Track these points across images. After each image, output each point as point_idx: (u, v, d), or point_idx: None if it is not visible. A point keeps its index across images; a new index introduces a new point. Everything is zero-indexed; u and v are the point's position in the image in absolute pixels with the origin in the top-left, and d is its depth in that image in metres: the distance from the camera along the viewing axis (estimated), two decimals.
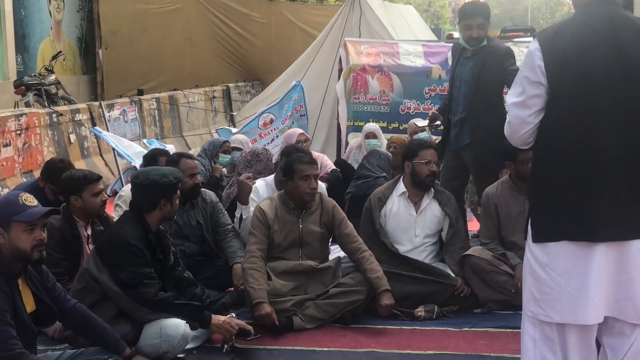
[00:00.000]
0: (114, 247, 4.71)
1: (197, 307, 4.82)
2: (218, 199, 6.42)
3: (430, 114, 7.37)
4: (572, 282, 3.44)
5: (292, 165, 5.69)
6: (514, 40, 11.78)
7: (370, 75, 10.19)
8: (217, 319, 4.85)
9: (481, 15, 6.49)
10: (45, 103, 12.65)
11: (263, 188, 6.45)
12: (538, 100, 3.49)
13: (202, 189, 6.31)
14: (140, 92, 13.67)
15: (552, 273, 3.48)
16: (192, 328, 4.75)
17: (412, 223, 6.05)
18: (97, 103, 11.55)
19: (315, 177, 5.69)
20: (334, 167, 8.16)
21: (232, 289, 6.03)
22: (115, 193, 10.31)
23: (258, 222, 5.60)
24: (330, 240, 5.91)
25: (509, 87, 6.38)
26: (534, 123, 3.53)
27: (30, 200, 4.00)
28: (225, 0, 18.38)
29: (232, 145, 8.18)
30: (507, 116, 3.63)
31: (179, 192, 4.98)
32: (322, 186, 6.32)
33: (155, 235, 4.89)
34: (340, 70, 10.68)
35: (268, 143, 10.75)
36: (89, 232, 5.55)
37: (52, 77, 13.74)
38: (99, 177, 5.63)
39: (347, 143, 10.15)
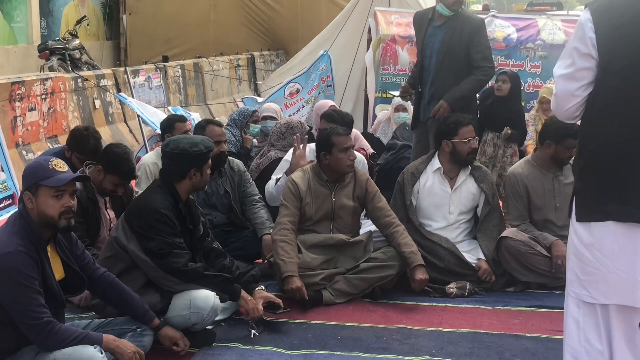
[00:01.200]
0: (144, 215, 4.60)
1: (227, 279, 4.72)
2: (246, 169, 6.29)
3: (401, 87, 7.07)
4: (619, 263, 3.30)
5: (330, 138, 5.55)
6: (548, 13, 11.48)
7: (400, 46, 10.00)
8: (246, 295, 4.77)
9: None
10: (69, 68, 12.56)
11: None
12: (587, 73, 3.33)
13: (230, 158, 6.20)
14: (165, 59, 13.51)
15: (598, 253, 3.34)
16: (221, 300, 4.65)
17: (446, 200, 5.90)
18: (122, 69, 11.41)
19: (352, 147, 5.56)
20: (364, 141, 7.95)
21: (261, 260, 5.94)
22: (139, 160, 10.23)
23: (290, 193, 5.48)
24: (363, 214, 5.78)
25: (473, 65, 6.36)
26: (582, 97, 3.37)
27: (60, 165, 3.88)
28: None
29: (264, 114, 8.02)
30: (554, 88, 3.48)
31: (210, 161, 4.85)
32: (359, 158, 6.16)
33: (185, 205, 4.77)
34: (370, 40, 10.49)
35: (294, 113, 10.61)
36: (106, 197, 5.49)
37: (76, 42, 13.65)
38: (133, 177, 5.70)
39: (374, 115, 9.98)
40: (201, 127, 6.06)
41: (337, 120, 6.41)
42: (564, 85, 3.39)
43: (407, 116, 8.98)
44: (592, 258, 3.36)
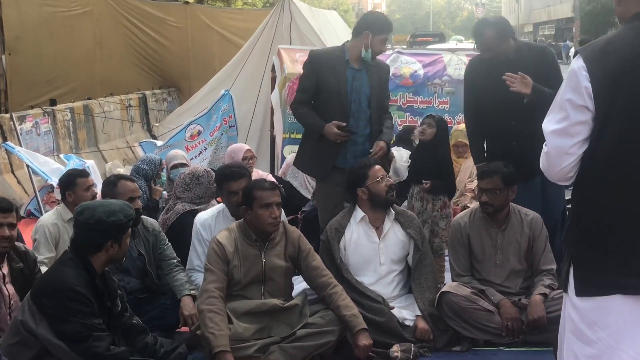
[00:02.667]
0: (56, 294, 4.01)
1: None
2: (160, 229, 5.74)
3: (335, 131, 5.93)
4: (625, 344, 2.93)
5: (251, 192, 5.09)
6: (454, 49, 11.37)
7: None
8: None
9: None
10: None
11: (212, 219, 5.78)
12: (583, 128, 2.98)
13: (143, 216, 5.64)
14: (53, 102, 12.70)
15: (602, 333, 2.97)
16: None
17: (375, 251, 5.52)
18: (7, 115, 10.58)
19: (277, 204, 5.07)
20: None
21: (183, 328, 5.37)
22: (29, 214, 9.48)
23: (215, 256, 4.96)
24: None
25: (384, 110, 6.06)
26: (577, 155, 3.01)
27: None
28: (138, 4, 17.49)
29: (174, 162, 7.47)
30: (545, 146, 3.09)
31: (129, 230, 4.29)
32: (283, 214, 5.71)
33: (101, 280, 4.20)
34: (274, 79, 10.07)
35: (196, 156, 10.10)
36: (5, 270, 4.79)
37: None
38: (5, 207, 4.79)
39: (283, 157, 9.55)
40: (111, 183, 5.50)
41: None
42: (557, 142, 3.02)
43: None
44: (595, 338, 2.97)
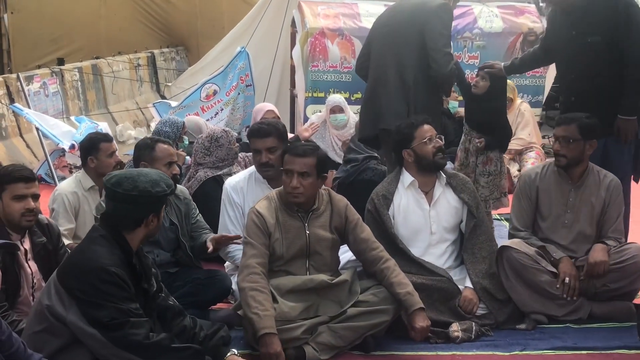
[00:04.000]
0: (87, 276, 3.54)
1: (198, 352, 3.75)
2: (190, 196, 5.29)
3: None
4: None
5: (284, 154, 4.65)
6: (484, 1, 10.84)
7: (330, 40, 9.12)
8: None
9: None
10: None
11: (244, 182, 5.32)
12: None
13: None
14: (61, 62, 12.18)
15: None
16: None
17: (426, 218, 5.04)
18: (14, 75, 10.07)
19: (298, 174, 4.51)
20: None
21: (219, 305, 4.95)
22: (40, 179, 9.02)
23: (255, 228, 4.49)
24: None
25: None
26: None
27: None
28: None
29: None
30: None
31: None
32: None
33: (138, 259, 3.74)
34: (294, 34, 9.56)
35: (212, 117, 9.65)
36: (27, 245, 4.33)
37: None
38: (27, 176, 4.32)
39: (305, 117, 9.07)
40: (148, 146, 5.01)
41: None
42: None
43: (345, 117, 8.18)
44: None
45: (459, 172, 5.43)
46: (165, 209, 4.84)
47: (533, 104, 9.39)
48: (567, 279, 4.80)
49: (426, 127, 5.06)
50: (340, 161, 7.16)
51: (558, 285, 4.82)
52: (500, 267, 4.92)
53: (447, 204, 5.08)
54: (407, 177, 5.08)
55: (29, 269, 4.30)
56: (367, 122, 5.89)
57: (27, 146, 9.80)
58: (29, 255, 4.33)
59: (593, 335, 4.68)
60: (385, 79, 5.73)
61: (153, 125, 9.95)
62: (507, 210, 5.80)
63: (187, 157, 6.64)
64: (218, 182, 5.92)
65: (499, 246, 5.02)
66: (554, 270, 4.87)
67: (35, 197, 4.30)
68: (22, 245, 4.28)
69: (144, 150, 5.00)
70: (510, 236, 5.16)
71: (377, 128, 5.75)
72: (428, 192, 5.08)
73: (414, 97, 5.63)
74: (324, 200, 4.65)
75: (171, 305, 4.04)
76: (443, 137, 5.18)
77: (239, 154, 6.55)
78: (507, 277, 4.89)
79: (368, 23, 9.19)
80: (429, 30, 5.57)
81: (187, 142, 6.89)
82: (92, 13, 17.00)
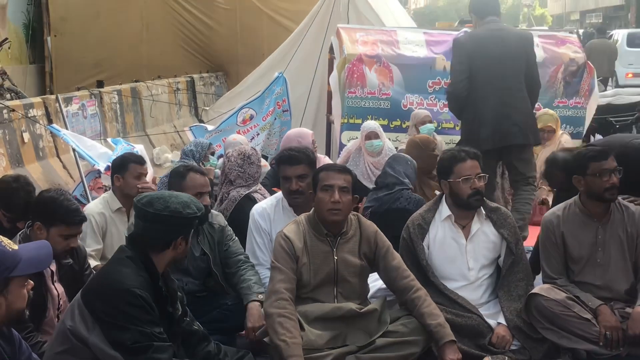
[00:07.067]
0: (111, 298, 3.51)
1: None
2: (226, 222, 5.20)
3: None
4: None
5: (317, 174, 4.58)
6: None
7: (368, 67, 9.00)
8: None
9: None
10: None
11: (271, 209, 5.27)
12: None
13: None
14: (100, 84, 12.28)
15: None
16: None
17: (462, 253, 4.90)
18: (52, 97, 10.13)
19: (341, 189, 4.46)
20: None
21: (244, 333, 4.85)
22: (76, 200, 9.04)
23: (283, 252, 4.42)
24: None
25: None
26: None
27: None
28: None
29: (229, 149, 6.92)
30: None
31: None
32: None
33: (164, 282, 3.69)
34: (332, 60, 9.51)
35: (248, 142, 9.57)
36: (53, 267, 4.30)
37: None
38: (83, 220, 4.38)
39: (341, 144, 8.99)
40: (179, 174, 4.95)
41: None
42: None
43: (381, 143, 8.08)
44: None
45: (500, 206, 5.25)
46: (198, 238, 4.83)
47: (574, 136, 9.22)
48: (607, 333, 4.59)
49: (469, 163, 4.88)
50: None
51: (601, 343, 4.60)
52: (531, 315, 4.76)
53: (485, 238, 4.95)
54: (444, 209, 4.96)
55: (55, 291, 4.28)
56: (490, 137, 6.42)
57: (64, 167, 9.83)
58: (55, 277, 4.31)
59: None
60: (511, 99, 6.51)
61: None
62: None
63: (217, 170, 6.65)
64: (252, 200, 5.86)
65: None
66: (587, 316, 4.68)
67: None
68: (49, 267, 4.25)
69: (175, 178, 4.97)
70: (545, 283, 4.96)
71: (503, 142, 6.47)
72: (465, 226, 4.95)
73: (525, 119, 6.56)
74: (353, 225, 4.57)
75: (196, 330, 3.99)
76: (487, 176, 5.06)
77: None
78: (538, 322, 4.73)
79: (406, 50, 9.18)
80: (532, 63, 6.66)
81: (213, 162, 6.89)
82: (134, 37, 17.16)
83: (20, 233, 4.36)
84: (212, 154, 7.07)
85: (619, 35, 24.27)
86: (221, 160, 7.33)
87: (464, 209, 4.92)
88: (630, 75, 22.59)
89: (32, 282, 3.02)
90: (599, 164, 4.75)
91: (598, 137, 9.08)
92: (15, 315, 2.93)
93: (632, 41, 24.07)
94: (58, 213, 4.21)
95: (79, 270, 4.42)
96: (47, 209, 4.22)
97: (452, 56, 6.85)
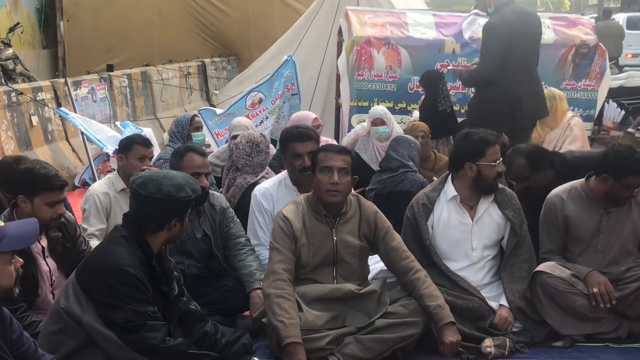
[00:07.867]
0: (105, 276, 3.49)
1: (216, 359, 3.64)
2: (228, 204, 5.17)
3: None
4: None
5: (316, 154, 4.54)
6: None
7: (376, 49, 8.95)
8: None
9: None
10: (1, 80, 11.27)
11: (274, 189, 5.25)
12: None
13: (211, 192, 5.09)
14: (110, 68, 12.28)
15: None
16: None
17: (467, 234, 4.83)
18: (62, 80, 10.15)
19: (338, 170, 4.42)
20: None
21: (247, 313, 4.84)
22: (84, 183, 9.08)
23: (282, 233, 4.39)
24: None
25: None
26: None
27: None
28: None
29: (235, 132, 6.88)
30: None
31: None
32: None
33: (158, 261, 3.67)
34: (341, 43, 9.45)
35: (257, 125, 9.54)
36: (44, 242, 4.29)
37: (10, 52, 12.38)
38: (64, 185, 4.31)
39: (350, 126, 8.94)
40: (179, 154, 4.94)
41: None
42: None
43: (387, 130, 7.98)
44: None
45: (505, 187, 5.18)
46: (200, 220, 4.81)
47: (585, 119, 9.11)
48: (595, 289, 4.57)
49: (497, 147, 4.84)
50: None
51: (594, 303, 4.59)
52: (534, 292, 4.73)
53: (490, 220, 4.88)
54: (450, 190, 4.88)
55: (46, 266, 4.27)
56: (527, 115, 7.07)
57: (73, 150, 9.86)
58: (46, 253, 4.30)
59: (633, 355, 4.47)
60: (537, 77, 7.21)
61: None
62: None
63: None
64: None
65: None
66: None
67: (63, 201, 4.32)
68: (39, 242, 4.25)
69: (174, 157, 4.96)
70: (542, 260, 4.91)
71: (535, 118, 7.27)
72: (472, 207, 4.88)
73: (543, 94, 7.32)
74: (352, 206, 4.53)
75: (193, 310, 3.97)
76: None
77: None
78: (540, 302, 4.70)
79: (415, 32, 9.10)
80: (539, 43, 7.23)
81: (201, 139, 6.92)
82: (146, 22, 17.15)
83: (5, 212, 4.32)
84: (197, 129, 7.02)
85: (620, 18, 24.58)
86: (223, 146, 7.32)
87: (480, 192, 4.87)
88: (629, 55, 23.12)
89: (20, 259, 3.00)
90: (637, 180, 4.65)
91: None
92: (2, 292, 2.91)
93: (632, 24, 24.78)
94: (38, 182, 4.17)
95: (71, 247, 4.40)
96: (26, 180, 4.18)
97: (485, 39, 7.04)
